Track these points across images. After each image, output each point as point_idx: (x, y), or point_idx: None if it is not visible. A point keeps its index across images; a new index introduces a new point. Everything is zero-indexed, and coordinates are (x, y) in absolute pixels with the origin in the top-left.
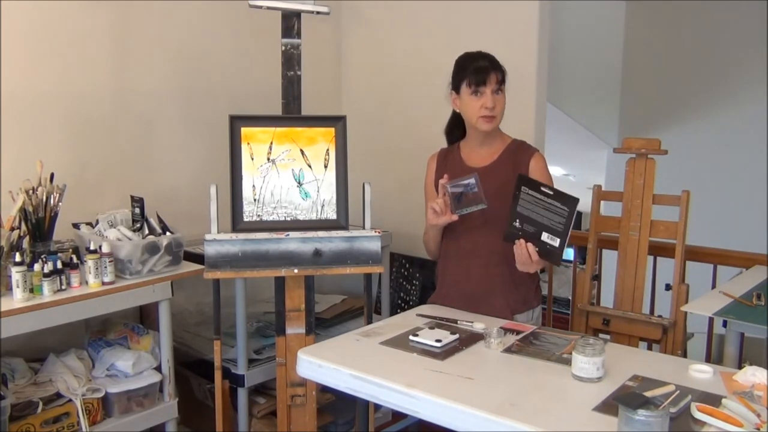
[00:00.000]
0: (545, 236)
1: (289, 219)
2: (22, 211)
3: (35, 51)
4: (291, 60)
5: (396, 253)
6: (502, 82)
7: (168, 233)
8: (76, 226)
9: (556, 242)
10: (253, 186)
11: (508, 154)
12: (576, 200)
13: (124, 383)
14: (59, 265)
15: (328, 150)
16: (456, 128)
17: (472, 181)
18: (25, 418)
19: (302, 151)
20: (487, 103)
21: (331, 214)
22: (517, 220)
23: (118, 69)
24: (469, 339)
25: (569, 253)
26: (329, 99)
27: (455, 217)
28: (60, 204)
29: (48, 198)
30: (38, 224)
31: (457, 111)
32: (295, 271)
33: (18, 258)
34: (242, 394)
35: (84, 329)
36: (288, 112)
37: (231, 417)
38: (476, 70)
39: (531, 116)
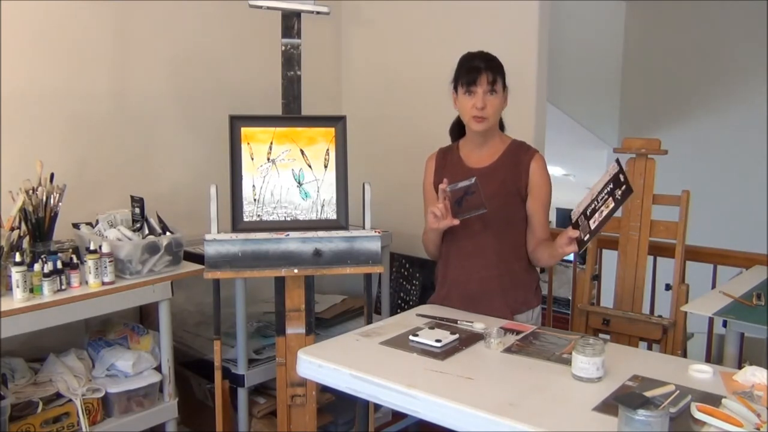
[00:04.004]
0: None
1: (289, 219)
2: (22, 211)
3: (35, 51)
4: (291, 60)
5: (396, 253)
6: (495, 82)
7: (168, 233)
8: (76, 226)
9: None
10: (253, 186)
11: (508, 155)
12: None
13: (124, 383)
14: (59, 265)
15: (328, 150)
16: (461, 129)
17: (471, 183)
18: (25, 418)
19: (302, 151)
20: (477, 103)
21: (331, 214)
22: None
23: (119, 69)
24: (469, 339)
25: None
26: (329, 99)
27: (456, 222)
28: (60, 204)
29: (48, 198)
30: (38, 224)
31: (456, 110)
32: (295, 271)
33: (18, 258)
34: (242, 394)
35: (84, 329)
36: (288, 112)
37: (231, 417)
38: (468, 69)
39: (531, 116)
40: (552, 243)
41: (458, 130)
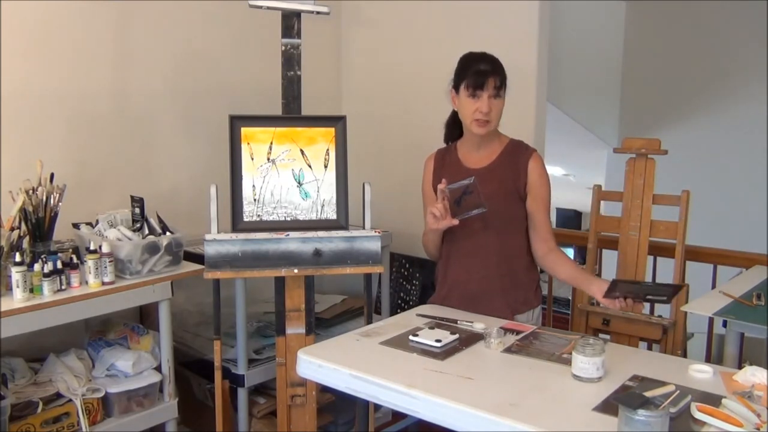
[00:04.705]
0: (649, 297)
1: (289, 219)
2: (22, 211)
3: (35, 51)
4: (291, 60)
5: (396, 253)
6: (500, 87)
7: (168, 233)
8: (76, 226)
9: (663, 299)
10: (253, 186)
11: (506, 155)
12: (679, 287)
13: (124, 383)
14: (59, 265)
15: (328, 150)
16: (457, 127)
17: (470, 182)
18: (25, 418)
19: (302, 151)
20: (482, 108)
21: (331, 214)
22: (617, 291)
23: (119, 69)
24: (469, 339)
25: (569, 253)
26: (329, 99)
27: (455, 222)
28: (60, 204)
29: (48, 198)
30: (38, 224)
31: (455, 109)
32: (295, 271)
33: (18, 258)
34: (242, 394)
35: (84, 329)
36: (288, 112)
37: (231, 417)
38: (475, 73)
39: (531, 116)
40: (581, 268)
41: (453, 124)
